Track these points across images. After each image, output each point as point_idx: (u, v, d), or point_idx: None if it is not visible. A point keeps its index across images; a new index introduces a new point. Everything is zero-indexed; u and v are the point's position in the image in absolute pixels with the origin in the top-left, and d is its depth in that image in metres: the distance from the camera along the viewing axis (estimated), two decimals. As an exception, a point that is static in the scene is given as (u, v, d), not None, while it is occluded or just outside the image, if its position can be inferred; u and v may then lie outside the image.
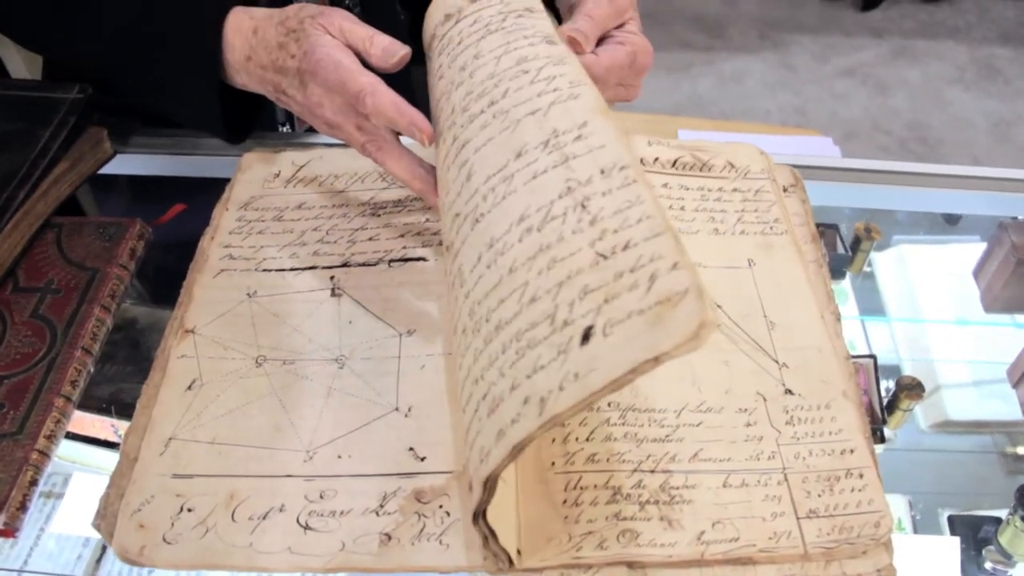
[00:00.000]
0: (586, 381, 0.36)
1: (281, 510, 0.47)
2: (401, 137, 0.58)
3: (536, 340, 0.39)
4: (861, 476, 0.49)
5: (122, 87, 0.70)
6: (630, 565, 0.45)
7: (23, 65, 0.95)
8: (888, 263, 0.85)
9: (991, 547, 0.59)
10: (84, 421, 0.57)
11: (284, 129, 0.84)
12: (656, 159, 0.67)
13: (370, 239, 0.62)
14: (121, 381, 0.58)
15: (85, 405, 0.56)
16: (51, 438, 0.52)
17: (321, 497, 0.47)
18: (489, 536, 0.42)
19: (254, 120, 0.72)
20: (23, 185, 0.61)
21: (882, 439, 0.67)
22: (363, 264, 0.60)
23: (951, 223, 0.87)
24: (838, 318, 0.59)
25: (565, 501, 0.47)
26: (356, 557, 0.45)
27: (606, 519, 0.47)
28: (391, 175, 0.59)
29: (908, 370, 0.78)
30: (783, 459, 0.50)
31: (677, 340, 0.34)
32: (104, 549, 0.59)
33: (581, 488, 0.48)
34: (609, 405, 0.52)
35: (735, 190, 0.66)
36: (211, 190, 0.67)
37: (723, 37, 2.74)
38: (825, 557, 0.46)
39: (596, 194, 0.42)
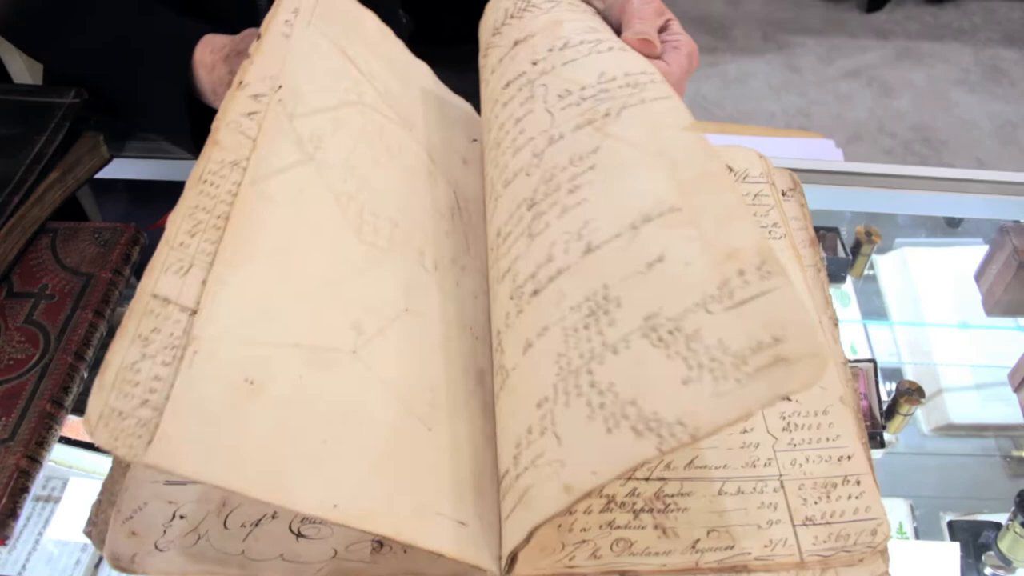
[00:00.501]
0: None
1: (273, 517, 0.47)
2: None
3: None
4: (858, 483, 0.49)
5: (109, 102, 0.71)
6: (624, 574, 0.45)
7: (25, 69, 0.95)
8: (890, 266, 0.85)
9: (991, 552, 0.59)
10: (81, 426, 0.57)
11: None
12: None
13: None
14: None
15: (81, 410, 0.56)
16: (43, 445, 0.52)
17: (313, 504, 0.47)
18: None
19: None
20: (18, 190, 0.61)
21: (881, 444, 0.67)
22: None
23: (953, 226, 0.87)
24: (836, 323, 0.58)
25: (559, 509, 0.47)
26: (348, 564, 0.45)
27: (600, 528, 0.46)
28: None
29: (910, 373, 0.78)
30: (780, 466, 0.50)
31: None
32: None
33: (575, 496, 0.47)
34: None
35: (734, 193, 0.65)
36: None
37: (727, 39, 2.74)
38: (821, 565, 0.46)
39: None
